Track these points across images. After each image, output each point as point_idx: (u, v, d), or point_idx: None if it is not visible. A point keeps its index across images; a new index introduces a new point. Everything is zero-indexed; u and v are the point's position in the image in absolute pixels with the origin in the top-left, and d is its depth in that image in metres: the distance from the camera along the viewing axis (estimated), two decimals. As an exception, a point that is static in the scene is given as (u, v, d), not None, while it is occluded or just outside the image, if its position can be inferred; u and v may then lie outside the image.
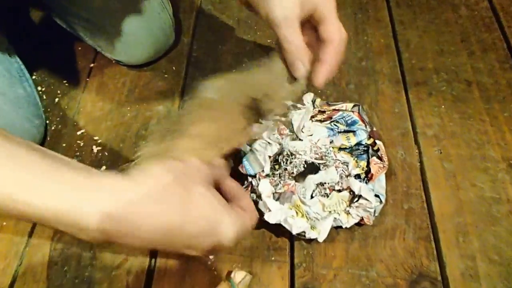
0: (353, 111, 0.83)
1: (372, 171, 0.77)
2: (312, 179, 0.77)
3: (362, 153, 0.81)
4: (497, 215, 0.78)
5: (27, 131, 0.84)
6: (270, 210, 0.72)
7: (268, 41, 1.07)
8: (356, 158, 0.80)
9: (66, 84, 0.99)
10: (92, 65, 1.03)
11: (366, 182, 0.77)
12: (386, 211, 0.79)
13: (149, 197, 0.48)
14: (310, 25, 0.67)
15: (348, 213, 0.74)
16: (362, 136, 0.81)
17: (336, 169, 0.79)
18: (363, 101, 0.94)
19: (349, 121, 0.83)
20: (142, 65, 1.02)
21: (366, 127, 0.82)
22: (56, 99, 0.96)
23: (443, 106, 0.93)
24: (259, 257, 0.75)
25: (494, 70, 1.00)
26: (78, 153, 0.87)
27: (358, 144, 0.81)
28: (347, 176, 0.79)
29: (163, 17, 0.98)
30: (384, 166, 0.77)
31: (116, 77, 1.01)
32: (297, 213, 0.73)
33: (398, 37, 1.07)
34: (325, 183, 0.78)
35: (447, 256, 0.74)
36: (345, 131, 0.83)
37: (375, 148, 0.79)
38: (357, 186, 0.75)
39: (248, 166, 0.77)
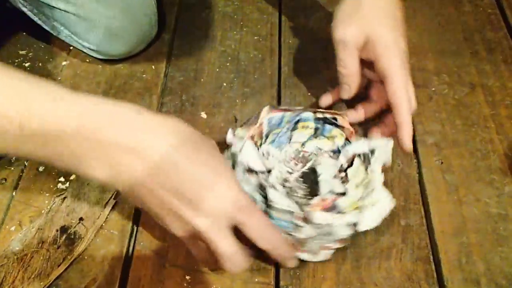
0: None
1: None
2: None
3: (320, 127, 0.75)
4: (504, 234, 0.71)
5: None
6: None
7: (255, 38, 1.00)
8: (321, 136, 0.74)
9: (35, 85, 0.91)
10: (64, 63, 0.96)
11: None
12: (381, 228, 0.71)
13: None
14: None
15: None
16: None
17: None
18: (356, 104, 0.86)
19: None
20: (118, 61, 0.95)
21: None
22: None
23: (444, 112, 0.86)
24: (240, 278, 0.67)
25: (500, 71, 0.93)
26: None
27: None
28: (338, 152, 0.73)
29: (147, 2, 0.92)
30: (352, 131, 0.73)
31: (90, 77, 0.94)
32: None
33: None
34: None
35: (448, 281, 0.67)
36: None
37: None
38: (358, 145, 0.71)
39: None
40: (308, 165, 0.70)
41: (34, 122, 0.48)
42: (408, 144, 0.72)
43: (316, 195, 0.65)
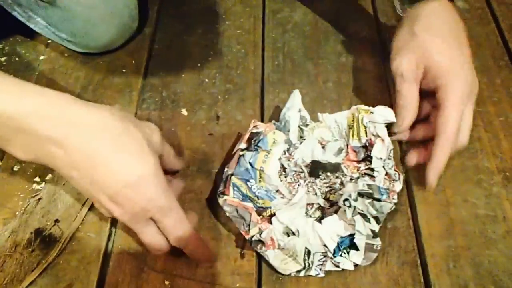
0: None
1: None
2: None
3: None
4: (493, 236, 0.69)
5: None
6: None
7: (238, 31, 0.97)
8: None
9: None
10: (41, 57, 0.93)
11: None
12: (367, 230, 0.70)
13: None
14: None
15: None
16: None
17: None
18: (342, 101, 0.85)
19: None
20: (98, 56, 0.92)
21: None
22: None
23: (432, 109, 0.84)
24: (222, 283, 0.65)
25: (488, 68, 0.91)
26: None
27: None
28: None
29: None
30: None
31: (68, 72, 0.91)
32: None
33: (382, 29, 0.98)
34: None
35: (436, 285, 0.65)
36: None
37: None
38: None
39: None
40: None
41: None
42: (431, 181, 0.71)
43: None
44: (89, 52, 0.92)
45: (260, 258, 0.67)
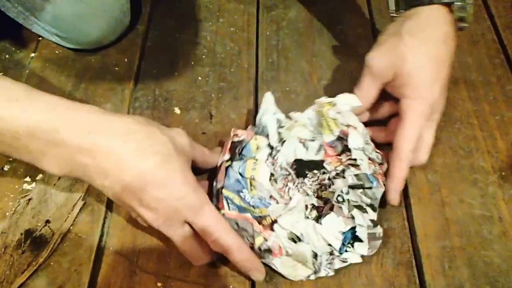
0: None
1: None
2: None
3: None
4: (488, 237, 0.69)
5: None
6: None
7: (231, 29, 0.96)
8: None
9: (2, 78, 0.87)
10: (32, 55, 0.92)
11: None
12: (362, 231, 0.69)
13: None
14: None
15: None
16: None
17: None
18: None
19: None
20: (90, 53, 0.91)
21: None
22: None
23: (427, 107, 0.83)
24: (215, 285, 0.65)
25: (483, 65, 0.90)
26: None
27: None
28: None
29: None
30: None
31: (59, 70, 0.89)
32: None
33: (377, 27, 0.97)
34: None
35: (431, 286, 0.65)
36: None
37: None
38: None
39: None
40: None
41: None
42: (393, 199, 0.69)
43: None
44: (81, 48, 0.91)
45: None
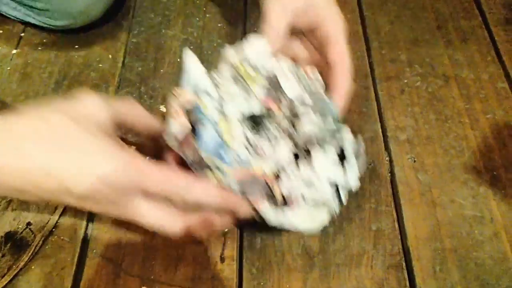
0: None
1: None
2: None
3: None
4: (480, 238, 0.68)
5: None
6: None
7: (219, 25, 0.95)
8: None
9: (-19, 75, 0.86)
10: (14, 51, 0.89)
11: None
12: (352, 232, 0.68)
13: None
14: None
15: None
16: None
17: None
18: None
19: None
20: (73, 49, 0.90)
21: None
22: (-31, 93, 0.83)
23: (417, 105, 0.82)
24: (201, 288, 0.63)
25: (475, 62, 0.89)
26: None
27: None
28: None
29: None
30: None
31: (42, 66, 0.88)
32: None
33: (367, 23, 0.96)
34: None
35: (422, 289, 0.63)
36: None
37: None
38: None
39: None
40: None
41: None
42: (342, 104, 0.65)
43: None
44: (67, 27, 0.89)
45: (241, 262, 0.65)
